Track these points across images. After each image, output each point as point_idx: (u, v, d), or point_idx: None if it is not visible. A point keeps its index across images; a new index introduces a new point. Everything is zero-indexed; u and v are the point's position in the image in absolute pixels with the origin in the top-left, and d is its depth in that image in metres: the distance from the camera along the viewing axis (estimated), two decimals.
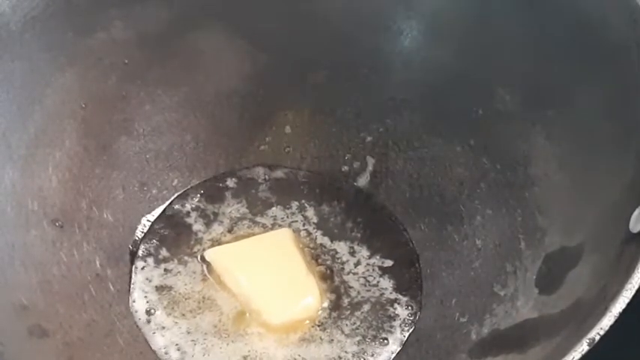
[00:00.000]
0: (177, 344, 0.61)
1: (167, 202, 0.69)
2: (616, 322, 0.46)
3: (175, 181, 0.70)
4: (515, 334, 0.56)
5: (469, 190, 0.66)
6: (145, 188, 0.69)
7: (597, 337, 0.45)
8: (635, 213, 0.50)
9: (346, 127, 0.71)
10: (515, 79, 0.63)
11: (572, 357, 0.45)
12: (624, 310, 0.46)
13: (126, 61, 0.67)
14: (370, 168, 0.70)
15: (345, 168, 0.71)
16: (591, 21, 0.57)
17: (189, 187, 0.70)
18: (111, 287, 0.64)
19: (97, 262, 0.64)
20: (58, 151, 0.65)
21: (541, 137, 0.62)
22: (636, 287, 0.46)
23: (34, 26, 0.61)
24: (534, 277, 0.58)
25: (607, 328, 0.45)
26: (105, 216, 0.66)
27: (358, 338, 0.61)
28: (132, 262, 0.65)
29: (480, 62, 0.65)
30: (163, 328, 0.62)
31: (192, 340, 0.61)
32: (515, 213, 0.62)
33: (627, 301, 0.46)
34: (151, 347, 0.61)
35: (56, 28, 0.63)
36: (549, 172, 0.61)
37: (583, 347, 0.45)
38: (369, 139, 0.71)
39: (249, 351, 0.61)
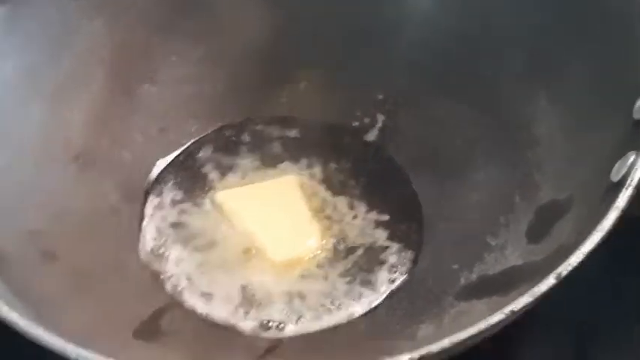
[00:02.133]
0: (187, 274, 0.64)
1: (184, 147, 0.72)
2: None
3: (193, 128, 0.73)
4: (500, 279, 0.58)
5: (473, 147, 0.68)
6: (164, 133, 0.72)
7: (564, 273, 0.47)
8: (617, 164, 0.52)
9: (359, 85, 0.73)
10: (521, 42, 0.66)
11: (539, 289, 0.46)
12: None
13: (153, 13, 0.71)
14: (379, 124, 0.73)
15: (356, 123, 0.73)
16: None
17: (205, 134, 0.73)
18: (124, 222, 0.67)
19: (113, 198, 0.68)
20: (84, 94, 0.69)
21: (544, 99, 0.64)
22: (606, 229, 0.48)
23: None
24: (525, 228, 0.60)
25: (575, 265, 0.47)
26: (124, 156, 0.70)
27: (349, 278, 0.64)
28: (146, 201, 0.68)
29: (488, 24, 0.67)
30: (179, 259, 0.66)
31: (202, 272, 0.65)
32: (514, 170, 0.64)
33: (597, 240, 0.48)
34: (158, 278, 0.64)
35: None
36: (551, 131, 0.63)
37: (550, 281, 0.47)
38: (380, 97, 0.73)
39: (248, 282, 0.64)
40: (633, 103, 0.54)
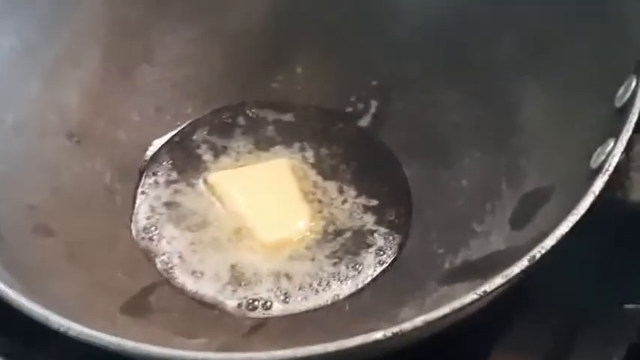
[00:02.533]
0: (179, 252, 0.66)
1: (180, 128, 0.73)
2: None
3: (189, 109, 0.74)
4: (482, 264, 0.58)
5: (463, 133, 0.69)
6: (160, 113, 0.73)
7: (538, 255, 0.47)
8: (597, 151, 0.53)
9: (354, 69, 0.74)
10: (515, 28, 0.66)
11: (511, 271, 0.47)
12: None
13: None
14: (373, 110, 0.74)
15: (350, 109, 0.74)
16: None
17: (202, 115, 0.74)
18: (118, 200, 0.68)
19: (108, 177, 0.69)
20: (80, 71, 0.70)
21: (533, 85, 0.64)
22: (581, 213, 0.49)
23: None
24: (509, 215, 0.61)
25: (548, 248, 0.48)
26: (119, 135, 0.71)
27: (335, 260, 0.65)
28: (140, 180, 0.69)
29: (479, 10, 0.68)
30: (172, 237, 0.67)
31: (194, 250, 0.66)
32: (501, 156, 0.65)
33: (571, 225, 0.48)
34: (149, 256, 0.65)
35: None
36: (536, 118, 0.64)
37: (523, 263, 0.47)
38: (374, 82, 0.74)
39: (237, 261, 0.65)
40: (617, 91, 0.54)
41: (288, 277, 0.64)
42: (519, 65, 0.65)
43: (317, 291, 0.63)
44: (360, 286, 0.64)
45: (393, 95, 0.73)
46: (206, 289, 0.64)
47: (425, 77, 0.71)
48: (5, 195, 0.61)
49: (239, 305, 0.63)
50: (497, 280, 0.47)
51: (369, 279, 0.64)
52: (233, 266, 0.65)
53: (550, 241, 0.48)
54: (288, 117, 0.74)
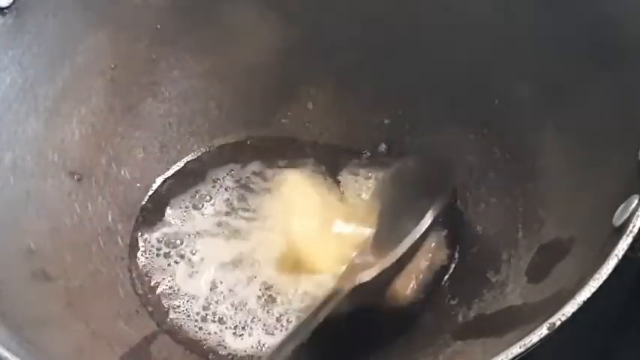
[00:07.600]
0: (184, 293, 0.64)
1: (183, 165, 0.71)
2: None
3: (195, 145, 0.72)
4: (498, 319, 0.56)
5: (477, 177, 0.67)
6: (165, 150, 0.71)
7: (558, 323, 0.45)
8: (620, 208, 0.50)
9: (366, 107, 0.72)
10: (533, 73, 0.64)
11: (530, 340, 0.45)
12: None
13: (158, 27, 0.70)
14: (384, 150, 0.71)
15: (361, 147, 0.72)
16: (606, 21, 0.58)
17: (207, 150, 0.72)
18: (120, 241, 0.66)
19: (110, 217, 0.67)
20: (83, 107, 0.68)
21: (551, 131, 0.62)
22: (604, 278, 0.46)
23: None
24: (526, 266, 0.58)
25: (569, 315, 0.45)
26: (123, 173, 0.69)
27: None
28: (143, 220, 0.67)
29: (501, 54, 0.65)
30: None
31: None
32: (517, 203, 0.63)
33: (593, 290, 0.46)
34: (150, 301, 0.63)
35: None
36: (555, 165, 0.61)
37: (542, 331, 0.45)
38: (387, 121, 0.72)
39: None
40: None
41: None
42: (536, 109, 0.63)
43: None
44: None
45: (405, 134, 0.71)
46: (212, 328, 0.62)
47: (438, 117, 0.69)
48: (2, 238, 0.59)
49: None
50: (515, 350, 0.45)
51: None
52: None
53: (571, 308, 0.46)
54: (296, 156, 0.72)
